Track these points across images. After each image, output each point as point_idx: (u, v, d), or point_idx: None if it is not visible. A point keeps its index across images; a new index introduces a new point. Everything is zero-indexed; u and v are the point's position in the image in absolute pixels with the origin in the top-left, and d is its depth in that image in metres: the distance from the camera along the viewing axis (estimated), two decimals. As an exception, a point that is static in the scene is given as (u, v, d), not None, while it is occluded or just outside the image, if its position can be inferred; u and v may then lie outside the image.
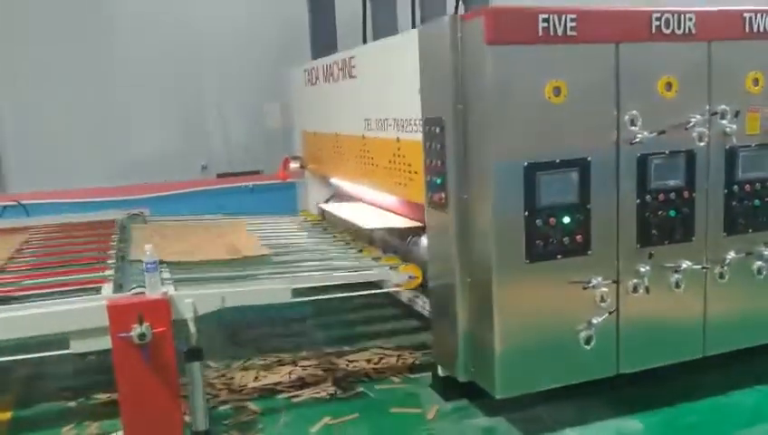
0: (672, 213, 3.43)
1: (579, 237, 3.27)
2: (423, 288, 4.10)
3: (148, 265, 3.10)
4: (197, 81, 7.77)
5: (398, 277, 3.95)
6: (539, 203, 3.18)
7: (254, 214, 6.00)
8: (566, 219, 3.23)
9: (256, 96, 8.00)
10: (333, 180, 5.77)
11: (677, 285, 3.47)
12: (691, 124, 3.37)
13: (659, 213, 3.41)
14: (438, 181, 3.44)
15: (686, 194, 3.46)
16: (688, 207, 3.47)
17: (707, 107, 3.43)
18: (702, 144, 3.41)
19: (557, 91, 3.13)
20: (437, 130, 3.40)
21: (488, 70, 3.05)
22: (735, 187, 3.55)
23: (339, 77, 5.09)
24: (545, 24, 3.07)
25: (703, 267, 3.49)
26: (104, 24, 7.40)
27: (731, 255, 3.56)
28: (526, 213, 3.17)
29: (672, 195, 3.43)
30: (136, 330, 3.00)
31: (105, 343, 3.11)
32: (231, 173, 7.98)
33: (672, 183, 3.43)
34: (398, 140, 4.11)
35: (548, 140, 3.17)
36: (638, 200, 3.38)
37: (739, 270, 3.59)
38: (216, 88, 7.89)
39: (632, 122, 3.29)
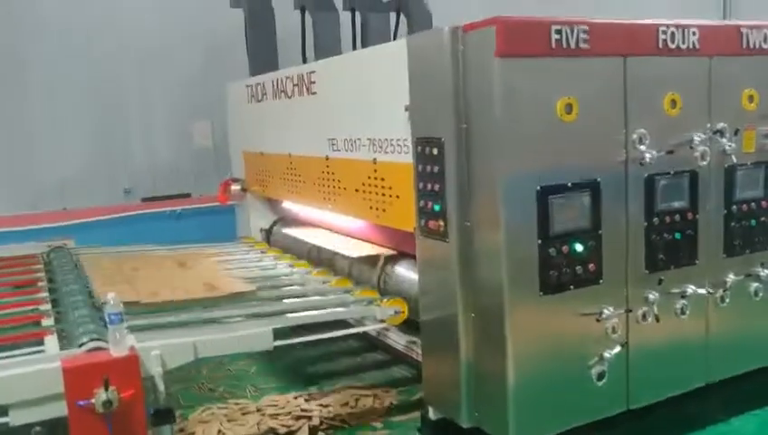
0: (677, 235, 3.27)
1: (591, 266, 3.03)
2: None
3: (112, 316, 2.59)
4: (118, 96, 7.10)
5: (382, 313, 3.59)
6: (552, 230, 2.93)
7: (188, 242, 5.50)
8: (578, 247, 2.99)
9: (183, 114, 7.43)
10: (286, 204, 5.33)
11: (683, 312, 3.30)
12: (695, 143, 3.22)
13: (666, 236, 3.24)
14: (437, 207, 3.12)
15: (689, 215, 3.31)
16: (692, 229, 3.32)
17: (708, 125, 3.29)
18: (704, 163, 3.27)
19: (569, 108, 2.90)
20: (435, 151, 3.08)
21: (498, 85, 2.77)
22: (734, 207, 3.44)
23: (294, 93, 4.69)
24: (558, 36, 2.83)
25: (708, 292, 3.34)
26: (7, 30, 6.63)
27: (730, 277, 3.44)
28: (539, 241, 2.91)
29: (677, 217, 3.27)
30: (99, 396, 2.49)
31: (56, 410, 2.58)
32: (157, 197, 7.35)
33: (677, 204, 3.27)
34: (374, 161, 3.77)
35: (560, 161, 2.93)
36: (646, 223, 3.19)
37: (739, 293, 3.47)
38: (139, 104, 7.26)
39: (640, 141, 3.09)
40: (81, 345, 2.82)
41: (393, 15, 6.62)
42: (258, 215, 5.91)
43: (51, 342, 2.94)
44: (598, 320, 3.05)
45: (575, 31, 2.86)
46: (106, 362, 2.57)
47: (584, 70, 2.93)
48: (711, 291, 3.37)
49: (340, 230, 4.82)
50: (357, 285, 4.06)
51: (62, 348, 2.89)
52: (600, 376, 3.11)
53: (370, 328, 3.68)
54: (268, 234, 5.86)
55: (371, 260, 4.24)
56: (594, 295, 3.06)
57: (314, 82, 4.38)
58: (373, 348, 4.85)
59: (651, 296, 3.20)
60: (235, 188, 5.89)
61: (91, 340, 2.83)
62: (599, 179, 3.02)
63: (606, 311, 3.07)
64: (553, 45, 2.83)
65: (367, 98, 3.79)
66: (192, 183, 7.56)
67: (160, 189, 7.41)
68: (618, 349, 3.10)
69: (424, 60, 3.13)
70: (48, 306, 3.54)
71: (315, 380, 4.46)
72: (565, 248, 2.96)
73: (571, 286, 3.00)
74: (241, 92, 5.70)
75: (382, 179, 3.72)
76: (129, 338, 2.77)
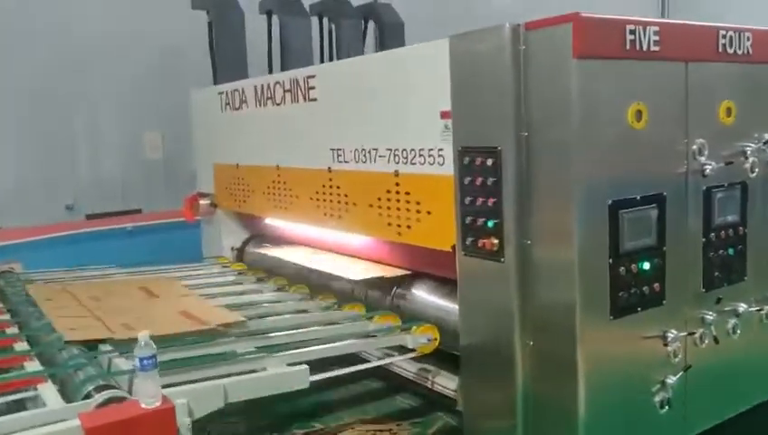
0: (731, 251, 3.11)
1: (656, 286, 2.81)
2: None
3: (145, 361, 2.13)
4: (60, 104, 6.43)
5: (414, 341, 3.25)
6: (622, 247, 2.68)
7: (143, 262, 4.97)
8: (645, 265, 2.76)
9: (131, 124, 6.83)
10: (271, 221, 4.89)
11: (734, 331, 3.13)
12: (747, 153, 3.07)
13: (722, 252, 3.07)
14: (490, 224, 2.82)
15: (740, 230, 3.15)
16: (743, 243, 3.17)
17: (756, 135, 3.15)
18: (753, 175, 3.12)
19: (639, 115, 2.67)
20: (489, 161, 2.78)
21: (576, 89, 2.51)
22: (780, 220, 3.31)
23: (285, 100, 4.29)
24: (632, 37, 2.60)
25: (759, 309, 3.19)
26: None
27: (777, 293, 3.31)
28: (611, 260, 2.65)
29: (731, 231, 3.10)
30: (132, 460, 2.04)
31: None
32: (104, 214, 6.71)
33: (731, 218, 3.10)
34: (396, 173, 3.43)
35: (629, 172, 2.70)
36: (704, 239, 3.01)
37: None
38: (84, 113, 6.62)
39: (699, 152, 2.91)
40: (87, 396, 2.35)
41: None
42: (229, 232, 5.44)
43: (48, 391, 2.42)
44: (665, 344, 2.83)
45: (647, 32, 2.64)
46: (137, 417, 2.11)
47: (653, 74, 2.71)
48: (759, 308, 3.22)
49: (333, 249, 4.44)
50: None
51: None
52: (663, 404, 2.88)
53: (398, 359, 3.30)
54: (240, 253, 5.40)
55: (379, 282, 3.89)
56: (657, 317, 2.84)
57: (314, 88, 4.01)
58: (368, 375, 4.48)
59: (709, 317, 3.01)
60: (204, 203, 5.39)
61: (99, 387, 2.35)
62: (664, 193, 2.81)
63: (670, 334, 2.85)
64: (627, 46, 2.60)
65: (387, 105, 3.46)
66: (141, 198, 6.98)
67: (106, 205, 6.78)
68: (680, 374, 2.90)
69: (473, 62, 2.83)
70: (25, 346, 2.99)
71: (315, 413, 4.04)
72: (634, 267, 2.72)
73: (639, 308, 2.77)
74: (211, 100, 5.23)
75: (407, 193, 3.39)
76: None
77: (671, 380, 2.87)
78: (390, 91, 3.42)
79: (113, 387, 2.37)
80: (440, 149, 3.12)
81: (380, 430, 3.73)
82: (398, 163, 3.42)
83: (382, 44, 6.25)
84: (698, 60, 2.88)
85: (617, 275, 2.67)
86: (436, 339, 3.30)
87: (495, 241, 2.81)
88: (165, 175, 7.06)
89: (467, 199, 2.92)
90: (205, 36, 5.73)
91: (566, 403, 2.68)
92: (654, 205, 2.77)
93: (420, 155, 3.25)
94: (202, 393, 2.42)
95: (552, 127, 2.61)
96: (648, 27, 2.64)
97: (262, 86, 4.52)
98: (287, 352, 2.90)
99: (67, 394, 2.42)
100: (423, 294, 3.64)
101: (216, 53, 5.65)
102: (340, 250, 4.44)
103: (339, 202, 3.91)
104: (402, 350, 3.44)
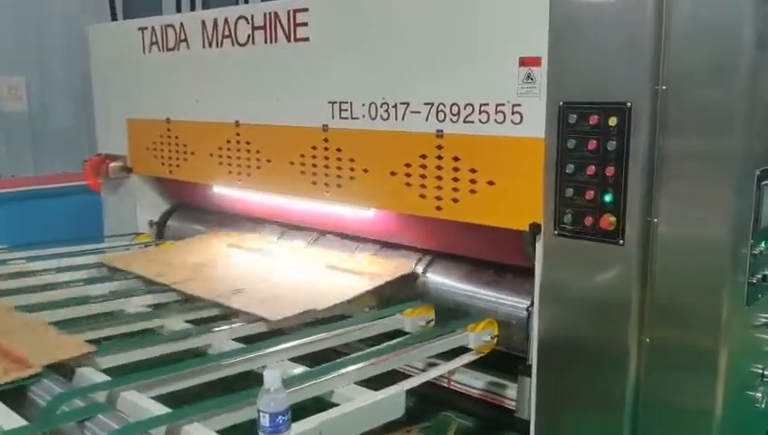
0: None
1: (775, 269, 2.47)
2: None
3: (280, 418, 1.36)
4: None
5: (475, 340, 2.67)
6: (760, 225, 2.30)
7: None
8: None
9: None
10: (219, 189, 3.98)
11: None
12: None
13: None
14: (608, 198, 2.30)
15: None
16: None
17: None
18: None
19: (783, 70, 2.27)
20: (612, 121, 2.25)
21: (748, 33, 2.04)
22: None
23: (252, 40, 3.44)
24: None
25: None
26: None
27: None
28: (752, 241, 2.26)
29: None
30: None
31: None
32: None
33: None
34: (439, 134, 2.80)
35: (768, 138, 2.30)
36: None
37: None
38: None
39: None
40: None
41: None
42: (147, 203, 4.45)
43: None
44: (775, 333, 2.51)
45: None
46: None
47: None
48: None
49: (306, 221, 3.72)
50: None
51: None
52: (764, 396, 2.59)
53: (457, 364, 2.68)
54: (161, 227, 4.45)
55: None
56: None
57: (304, 25, 3.21)
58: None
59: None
60: (115, 165, 4.33)
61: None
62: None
63: (776, 320, 2.54)
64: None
65: (425, 46, 2.79)
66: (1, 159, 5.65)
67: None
68: (783, 369, 2.61)
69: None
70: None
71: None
72: (763, 248, 2.35)
73: (759, 295, 2.41)
74: (124, 39, 4.17)
75: (455, 159, 2.77)
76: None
77: (774, 373, 2.57)
78: (431, 26, 2.75)
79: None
80: (515, 105, 2.54)
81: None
82: (442, 121, 2.78)
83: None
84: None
85: (755, 259, 2.29)
86: (497, 336, 2.75)
87: (612, 219, 2.30)
88: (30, 132, 5.76)
89: (570, 167, 2.38)
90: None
91: (697, 404, 2.27)
92: (782, 175, 2.41)
93: (482, 111, 2.65)
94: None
95: (707, 80, 2.12)
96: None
97: (215, 21, 3.61)
98: (352, 367, 2.20)
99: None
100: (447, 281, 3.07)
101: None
102: (314, 224, 3.72)
103: (339, 168, 3.19)
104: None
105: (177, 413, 1.79)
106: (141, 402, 1.94)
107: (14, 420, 1.75)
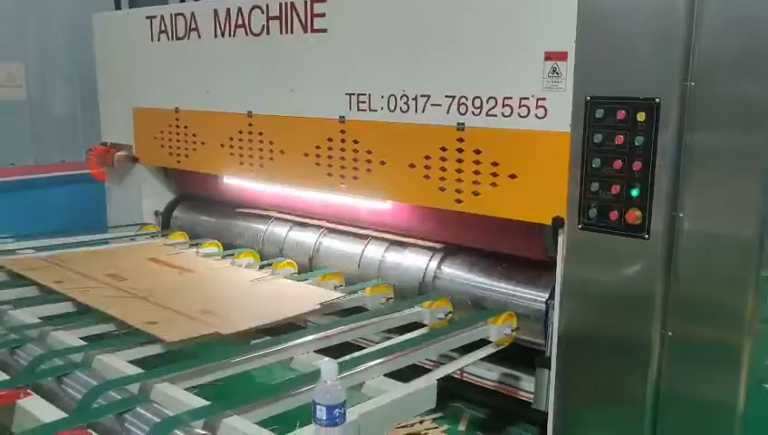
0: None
1: (792, 262, 2.51)
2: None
3: (336, 411, 1.37)
4: None
5: (497, 332, 2.69)
6: (783, 219, 2.33)
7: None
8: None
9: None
10: (228, 180, 3.96)
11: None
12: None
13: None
14: (635, 193, 2.32)
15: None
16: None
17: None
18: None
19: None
20: (641, 116, 2.26)
21: (781, 29, 2.06)
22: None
23: (270, 30, 3.42)
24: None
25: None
26: None
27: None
28: (776, 235, 2.29)
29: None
30: None
31: None
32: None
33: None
34: (460, 127, 2.80)
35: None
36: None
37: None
38: None
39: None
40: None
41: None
42: (152, 192, 4.42)
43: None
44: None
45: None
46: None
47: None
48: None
49: (320, 213, 3.71)
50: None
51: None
52: (775, 390, 2.63)
53: (474, 358, 2.68)
54: (166, 218, 4.42)
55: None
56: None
57: (323, 16, 3.19)
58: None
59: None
60: (121, 155, 4.30)
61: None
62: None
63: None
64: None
65: (448, 39, 2.79)
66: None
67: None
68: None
69: (621, -8, 2.28)
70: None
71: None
72: (786, 240, 2.39)
73: (777, 288, 2.45)
74: (131, 27, 4.13)
75: (477, 152, 2.77)
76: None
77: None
78: (454, 18, 2.75)
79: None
80: (540, 99, 2.55)
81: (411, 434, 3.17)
82: (463, 114, 2.79)
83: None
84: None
85: (777, 252, 2.32)
86: (518, 329, 2.77)
87: (638, 213, 2.33)
88: (30, 120, 5.69)
89: (596, 162, 2.40)
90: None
91: (719, 397, 2.30)
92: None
93: (506, 105, 2.65)
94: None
95: (737, 75, 2.14)
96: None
97: (228, 10, 3.58)
98: (378, 361, 2.21)
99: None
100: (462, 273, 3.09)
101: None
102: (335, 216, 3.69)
103: (355, 160, 3.19)
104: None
105: (217, 405, 1.79)
106: (175, 394, 1.93)
107: (53, 413, 1.74)
